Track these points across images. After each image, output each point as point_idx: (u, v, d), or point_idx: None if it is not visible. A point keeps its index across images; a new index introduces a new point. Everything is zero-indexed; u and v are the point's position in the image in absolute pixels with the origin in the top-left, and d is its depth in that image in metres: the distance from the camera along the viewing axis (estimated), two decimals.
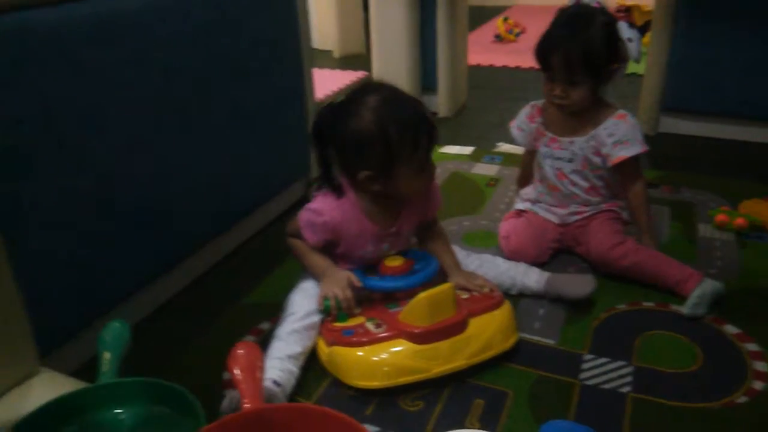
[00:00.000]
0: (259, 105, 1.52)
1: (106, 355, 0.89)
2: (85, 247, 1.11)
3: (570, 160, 1.38)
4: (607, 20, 1.30)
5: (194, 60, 1.30)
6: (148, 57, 1.18)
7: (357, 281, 1.13)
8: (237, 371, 0.88)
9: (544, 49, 1.31)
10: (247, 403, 0.83)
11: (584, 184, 1.39)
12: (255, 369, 0.89)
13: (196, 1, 1.28)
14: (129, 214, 1.19)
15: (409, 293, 1.12)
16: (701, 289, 1.21)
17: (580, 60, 1.26)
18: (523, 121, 1.45)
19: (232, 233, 1.53)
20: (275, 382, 1.01)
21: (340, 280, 1.13)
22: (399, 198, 1.16)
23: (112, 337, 0.91)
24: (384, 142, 1.06)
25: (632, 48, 1.32)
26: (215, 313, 1.30)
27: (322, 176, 1.16)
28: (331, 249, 1.19)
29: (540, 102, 1.44)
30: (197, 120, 1.33)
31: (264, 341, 1.16)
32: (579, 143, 1.37)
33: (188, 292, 1.39)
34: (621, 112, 1.36)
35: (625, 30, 1.32)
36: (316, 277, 1.18)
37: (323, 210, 1.14)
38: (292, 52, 1.65)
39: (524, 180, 1.54)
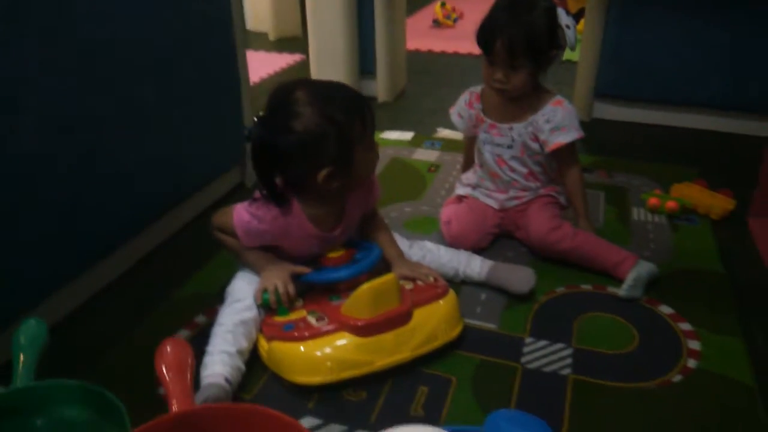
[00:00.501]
0: (189, 88, 1.46)
1: (21, 357, 0.82)
2: (1, 239, 1.03)
3: (509, 146, 1.38)
4: (548, 5, 1.30)
5: (116, 40, 1.22)
6: (66, 34, 1.10)
7: (301, 269, 1.10)
8: (164, 370, 0.83)
9: (486, 34, 1.29)
10: (175, 405, 0.78)
11: (523, 170, 1.39)
12: (184, 368, 0.84)
13: None
14: (49, 204, 1.11)
15: (352, 284, 1.08)
16: (637, 272, 1.23)
17: (522, 45, 1.25)
18: (462, 107, 1.45)
19: (162, 223, 1.45)
20: (227, 380, 0.97)
21: (281, 272, 1.09)
22: (351, 189, 1.13)
23: (27, 338, 0.85)
24: (336, 131, 1.02)
25: (570, 35, 1.32)
26: (146, 307, 1.24)
27: (268, 193, 1.08)
28: (267, 249, 1.15)
29: (478, 88, 1.44)
30: (122, 103, 1.26)
31: (200, 335, 1.12)
32: (517, 129, 1.37)
33: (117, 286, 1.32)
34: (558, 98, 1.37)
35: (563, 16, 1.32)
36: (256, 271, 1.13)
37: (265, 218, 1.08)
38: (223, 33, 1.58)
39: (467, 166, 1.54)
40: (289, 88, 1.05)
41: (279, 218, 1.09)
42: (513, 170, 1.40)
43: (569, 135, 1.33)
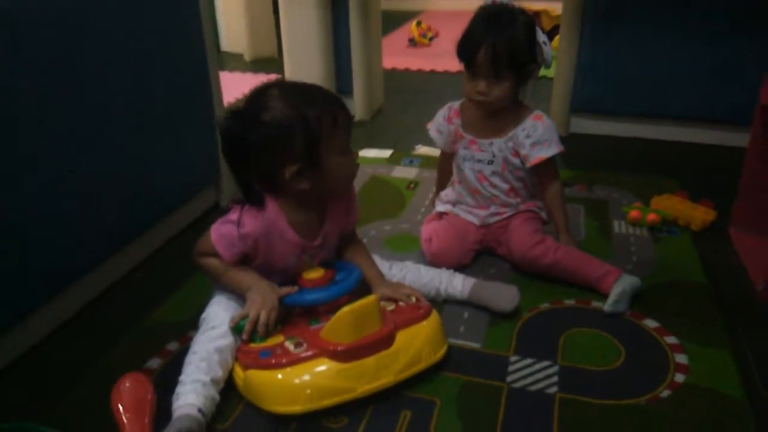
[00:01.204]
0: (160, 108, 1.42)
1: None
2: None
3: (490, 162, 1.37)
4: (528, 20, 1.30)
5: (85, 59, 1.18)
6: (27, 50, 1.06)
7: (286, 291, 1.06)
8: (121, 409, 0.78)
9: (468, 44, 1.28)
10: None
11: (504, 186, 1.38)
12: (143, 405, 0.79)
13: None
14: (15, 227, 1.07)
15: (332, 307, 1.04)
16: (621, 286, 1.21)
17: (505, 54, 1.24)
18: (440, 123, 1.43)
19: (134, 246, 1.41)
20: (200, 410, 0.92)
21: (268, 297, 1.04)
22: (326, 196, 1.10)
23: None
24: (304, 125, 1.00)
25: (546, 51, 1.32)
26: (115, 335, 1.19)
27: (243, 193, 1.07)
28: (247, 262, 1.11)
29: (457, 103, 1.42)
30: (91, 122, 1.22)
31: (173, 363, 1.07)
32: (498, 144, 1.35)
33: (86, 312, 1.27)
34: (537, 113, 1.36)
35: (539, 34, 1.32)
36: (241, 290, 1.08)
37: (244, 221, 1.05)
38: (195, 53, 1.55)
39: (441, 184, 1.52)
40: (265, 86, 1.06)
41: (258, 219, 1.05)
42: (494, 186, 1.38)
43: (550, 150, 1.32)
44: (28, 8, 1.06)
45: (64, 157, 1.16)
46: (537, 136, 1.32)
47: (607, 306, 1.21)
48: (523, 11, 1.30)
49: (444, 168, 1.50)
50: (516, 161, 1.35)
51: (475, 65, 1.27)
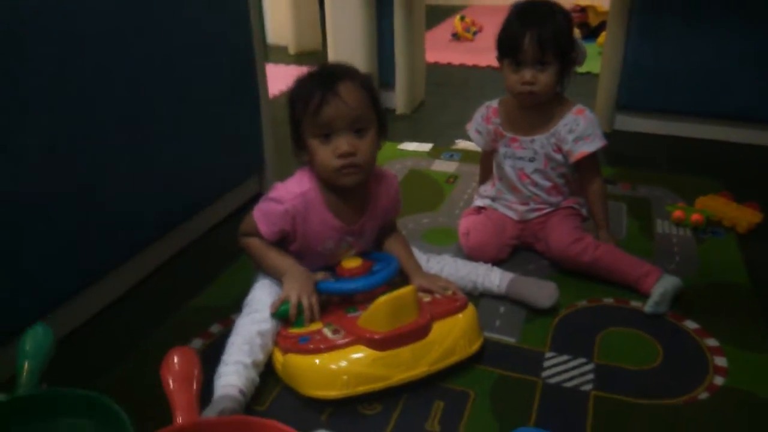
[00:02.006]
0: (208, 99, 1.46)
1: (26, 365, 0.81)
2: (16, 246, 1.03)
3: (531, 159, 1.36)
4: (564, 11, 1.31)
5: (136, 51, 1.22)
6: (85, 48, 1.11)
7: (323, 276, 1.09)
8: (170, 381, 0.81)
9: (512, 34, 1.28)
10: (179, 417, 0.76)
11: (546, 183, 1.37)
12: (190, 378, 0.82)
13: None
14: (64, 216, 1.11)
15: (369, 296, 1.06)
16: (663, 287, 1.20)
17: (551, 39, 1.25)
18: (479, 123, 1.43)
19: (179, 232, 1.45)
20: (241, 391, 0.95)
21: (306, 282, 1.06)
22: (363, 190, 1.12)
23: (33, 345, 0.84)
24: (290, 103, 1.08)
25: (580, 44, 1.33)
26: (161, 316, 1.23)
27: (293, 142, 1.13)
28: (285, 245, 1.13)
29: (494, 102, 1.42)
30: (141, 113, 1.26)
31: (215, 344, 1.11)
32: (540, 141, 1.35)
33: (131, 296, 1.31)
34: (579, 107, 1.34)
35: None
36: (278, 277, 1.11)
37: (284, 198, 1.09)
38: (243, 46, 1.59)
39: (484, 179, 1.52)
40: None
41: (297, 198, 1.08)
42: (535, 184, 1.37)
43: (593, 144, 1.31)
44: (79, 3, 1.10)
45: (114, 143, 1.20)
46: (580, 131, 1.31)
47: (648, 307, 1.20)
48: (557, 3, 1.31)
49: (486, 164, 1.50)
50: (558, 157, 1.35)
51: (520, 54, 1.27)
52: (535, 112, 1.34)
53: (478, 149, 1.51)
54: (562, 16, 1.29)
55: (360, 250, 1.18)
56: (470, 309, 1.10)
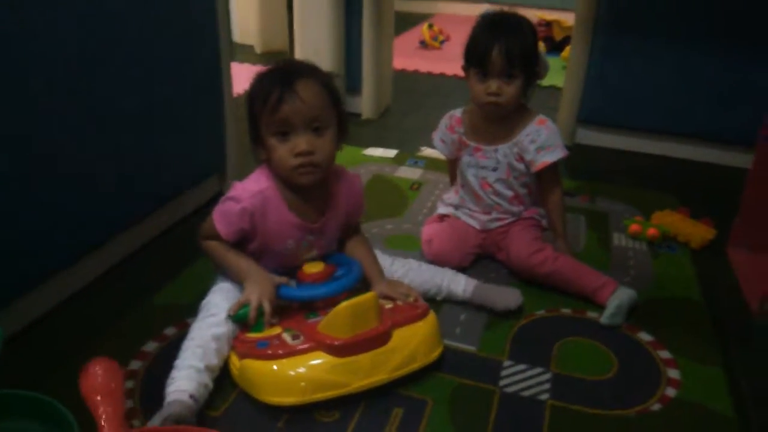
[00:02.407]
0: (171, 95, 1.43)
1: None
2: None
3: (494, 169, 1.37)
4: (531, 25, 1.33)
5: (99, 43, 1.19)
6: (46, 37, 1.07)
7: (282, 280, 1.07)
8: (93, 395, 0.78)
9: (480, 44, 1.29)
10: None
11: (508, 192, 1.38)
12: (116, 391, 0.79)
13: None
14: (19, 207, 1.07)
15: (330, 301, 1.05)
16: (618, 299, 1.22)
17: (518, 52, 1.27)
18: (444, 132, 1.44)
19: (137, 229, 1.42)
20: (192, 397, 0.92)
21: (267, 286, 1.04)
22: (324, 188, 1.12)
23: None
24: (249, 98, 1.06)
25: (543, 59, 1.35)
26: (115, 317, 1.20)
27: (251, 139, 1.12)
28: (245, 245, 1.12)
29: (458, 111, 1.43)
30: (102, 106, 1.23)
31: (168, 348, 1.08)
32: (503, 150, 1.36)
33: (84, 294, 1.27)
34: (541, 117, 1.37)
35: None
36: (238, 280, 1.09)
37: (241, 196, 1.07)
38: (209, 43, 1.56)
39: (454, 183, 1.53)
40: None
41: (255, 196, 1.07)
42: (497, 194, 1.38)
43: (555, 154, 1.33)
44: None
45: (73, 135, 1.17)
46: (541, 141, 1.33)
47: (604, 318, 1.22)
48: (524, 17, 1.34)
49: (453, 172, 1.51)
50: (521, 167, 1.36)
51: (487, 65, 1.28)
52: (498, 122, 1.36)
53: (443, 157, 1.51)
54: (529, 30, 1.31)
55: (322, 252, 1.17)
56: (431, 316, 1.10)
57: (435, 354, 1.07)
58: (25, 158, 1.08)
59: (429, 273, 1.27)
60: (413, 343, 1.04)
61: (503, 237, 1.39)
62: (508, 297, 1.23)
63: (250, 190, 1.08)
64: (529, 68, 1.30)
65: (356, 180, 1.19)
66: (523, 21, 1.32)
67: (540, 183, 1.39)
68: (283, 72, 1.05)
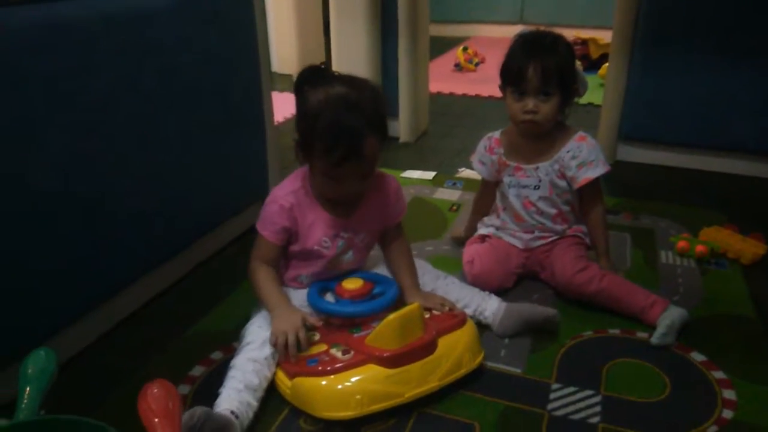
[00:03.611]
0: (214, 125, 1.46)
1: (27, 389, 0.80)
2: (18, 272, 1.03)
3: (536, 187, 1.37)
4: (568, 43, 1.33)
5: (142, 77, 1.23)
6: (94, 70, 1.12)
7: (312, 320, 1.07)
8: (151, 416, 0.79)
9: (516, 63, 1.30)
10: None
11: (551, 211, 1.37)
12: (174, 412, 0.80)
13: (147, 16, 1.23)
14: (66, 236, 1.11)
15: (369, 317, 1.08)
16: (670, 319, 1.19)
17: (554, 70, 1.27)
18: (483, 154, 1.44)
19: (182, 257, 1.45)
20: (233, 413, 0.94)
21: (293, 319, 1.05)
22: (322, 190, 1.14)
23: (35, 369, 0.83)
24: (309, 125, 1.06)
25: (582, 76, 1.35)
26: (162, 341, 1.22)
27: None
28: (288, 247, 1.16)
29: (497, 133, 1.43)
30: (147, 137, 1.27)
31: (215, 372, 1.10)
32: (544, 168, 1.35)
33: (132, 322, 1.30)
34: (581, 134, 1.36)
35: None
36: (269, 311, 1.11)
37: (277, 196, 1.14)
38: (250, 73, 1.60)
39: (479, 210, 1.52)
40: (346, 80, 1.09)
41: (289, 194, 1.13)
42: (540, 213, 1.37)
43: (597, 170, 1.32)
44: (94, 22, 1.12)
45: (117, 167, 1.20)
46: (583, 157, 1.32)
47: (654, 338, 1.19)
48: (560, 35, 1.34)
49: (483, 199, 1.50)
50: (563, 184, 1.35)
51: (523, 83, 1.29)
52: (537, 140, 1.35)
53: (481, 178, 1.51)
54: (566, 48, 1.31)
55: (359, 256, 1.19)
56: (470, 323, 1.13)
57: (479, 360, 1.10)
58: (79, 186, 1.12)
59: (466, 288, 1.27)
60: (458, 350, 1.07)
61: (547, 256, 1.37)
62: (546, 309, 1.22)
63: (284, 189, 1.15)
64: (565, 86, 1.30)
65: (390, 180, 1.21)
66: (559, 39, 1.32)
67: (582, 200, 1.37)
68: (350, 123, 1.03)
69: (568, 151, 1.34)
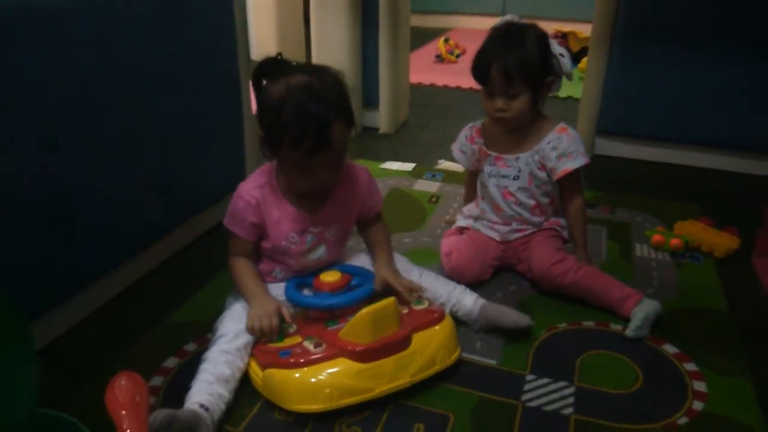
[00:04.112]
0: (190, 113, 1.44)
1: None
2: None
3: (516, 177, 1.37)
4: (539, 33, 1.30)
5: (118, 62, 1.21)
6: (69, 57, 1.10)
7: (286, 312, 1.07)
8: (118, 408, 0.78)
9: (481, 63, 1.29)
10: None
11: (530, 202, 1.37)
12: (141, 405, 0.79)
13: (124, 2, 1.21)
14: (39, 224, 1.09)
15: (347, 310, 1.07)
16: (644, 311, 1.20)
17: (516, 69, 1.25)
18: (463, 143, 1.44)
19: (156, 248, 1.43)
20: (202, 406, 0.94)
21: (268, 308, 1.06)
22: (288, 180, 1.13)
23: None
24: (274, 119, 1.03)
25: (565, 63, 1.32)
26: (136, 333, 1.20)
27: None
28: (259, 243, 1.15)
29: (478, 123, 1.43)
30: (122, 125, 1.24)
31: (190, 363, 1.09)
32: (524, 158, 1.35)
33: (106, 312, 1.28)
34: (562, 125, 1.36)
35: (555, 46, 1.32)
36: (247, 302, 1.10)
37: (242, 193, 1.12)
38: (228, 61, 1.58)
39: (469, 199, 1.53)
40: (307, 69, 1.06)
41: (254, 189, 1.11)
42: (519, 203, 1.38)
43: (576, 161, 1.32)
44: (70, 8, 1.09)
45: (91, 156, 1.18)
46: (563, 148, 1.32)
47: (629, 331, 1.20)
48: (534, 26, 1.31)
49: (471, 185, 1.50)
50: (542, 175, 1.35)
51: (489, 83, 1.28)
52: (517, 131, 1.35)
53: (461, 169, 1.51)
54: (535, 41, 1.28)
55: (332, 250, 1.18)
56: (447, 320, 1.12)
57: (454, 357, 1.09)
58: (53, 175, 1.10)
59: (442, 282, 1.26)
60: (432, 347, 1.06)
61: (524, 248, 1.38)
62: (517, 316, 1.19)
63: (250, 185, 1.13)
64: (534, 81, 1.28)
65: (360, 172, 1.20)
66: (528, 31, 1.29)
67: (561, 192, 1.38)
68: (317, 111, 1.01)
69: (548, 142, 1.34)
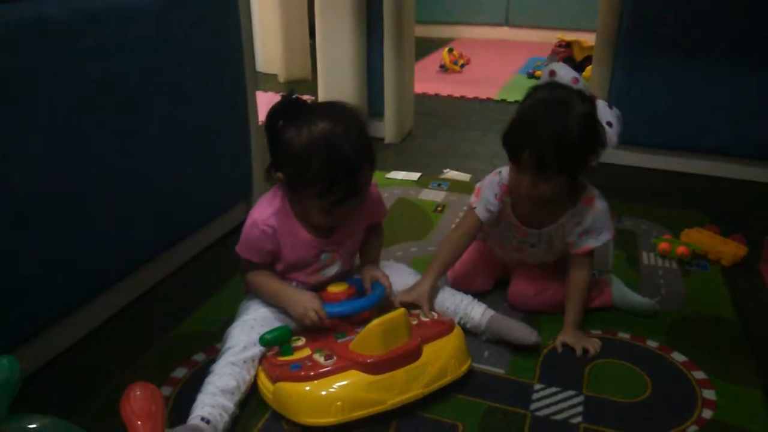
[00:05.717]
0: (197, 124, 1.45)
1: None
2: None
3: (533, 245, 1.29)
4: (586, 108, 1.12)
5: (126, 73, 1.22)
6: (77, 69, 1.11)
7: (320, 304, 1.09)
8: (133, 419, 0.79)
9: (513, 141, 1.14)
10: None
11: (539, 261, 1.33)
12: (156, 415, 0.80)
13: (131, 15, 1.22)
14: (48, 237, 1.10)
15: (355, 322, 1.08)
16: (619, 287, 1.31)
17: (552, 158, 1.09)
18: (490, 202, 1.25)
19: (165, 257, 1.43)
20: (203, 419, 0.94)
21: (307, 298, 1.08)
22: (307, 215, 1.13)
23: None
24: (300, 169, 1.03)
25: (611, 133, 1.14)
26: (144, 344, 1.21)
27: (269, 165, 1.11)
28: (274, 265, 1.15)
29: (504, 175, 1.25)
30: (130, 137, 1.25)
31: (198, 374, 1.09)
32: (547, 232, 1.26)
33: (115, 322, 1.29)
34: (590, 194, 1.23)
35: (606, 112, 1.15)
36: (279, 304, 1.12)
37: (257, 220, 1.10)
38: (234, 73, 1.59)
39: (446, 262, 1.28)
40: (328, 112, 1.06)
41: (271, 217, 1.10)
42: (527, 256, 1.33)
43: (599, 239, 1.23)
44: (78, 20, 1.11)
45: (99, 166, 1.19)
46: (587, 225, 1.22)
47: (646, 303, 1.27)
48: (581, 96, 1.13)
49: (462, 249, 1.29)
50: (562, 246, 1.27)
51: (519, 163, 1.15)
52: (544, 206, 1.22)
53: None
54: (580, 119, 1.10)
55: (345, 262, 1.19)
56: (457, 330, 1.12)
57: (464, 367, 1.09)
58: (60, 187, 1.10)
59: (449, 293, 1.26)
60: (443, 358, 1.06)
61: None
62: (524, 331, 1.18)
63: (264, 213, 1.11)
64: (572, 167, 1.14)
65: (371, 189, 1.17)
66: (574, 107, 1.10)
67: (570, 260, 1.27)
68: (346, 164, 1.02)
69: (573, 216, 1.22)
